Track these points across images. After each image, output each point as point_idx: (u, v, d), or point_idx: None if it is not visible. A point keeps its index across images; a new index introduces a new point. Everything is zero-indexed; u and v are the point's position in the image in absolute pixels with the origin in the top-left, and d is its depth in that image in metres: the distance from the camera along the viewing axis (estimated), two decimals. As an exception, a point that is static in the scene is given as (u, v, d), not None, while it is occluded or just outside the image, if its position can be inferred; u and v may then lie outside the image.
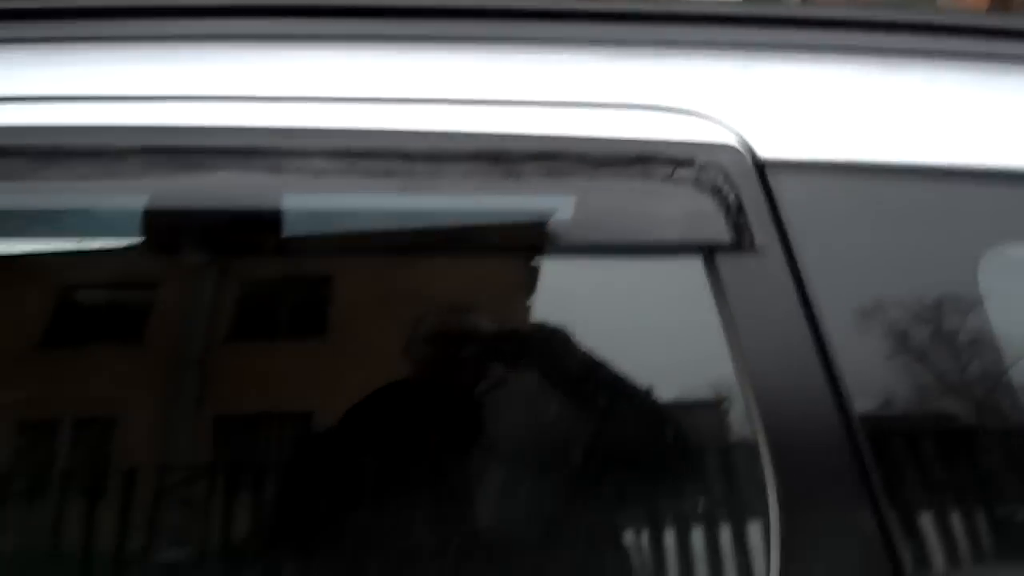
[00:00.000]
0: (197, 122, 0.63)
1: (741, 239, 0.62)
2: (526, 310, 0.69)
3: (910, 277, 0.64)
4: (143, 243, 0.65)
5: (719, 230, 0.62)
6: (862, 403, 0.62)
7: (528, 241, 0.65)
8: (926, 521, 0.66)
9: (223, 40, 0.65)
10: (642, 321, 0.67)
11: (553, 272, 0.69)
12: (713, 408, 0.66)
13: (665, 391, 0.67)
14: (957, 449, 0.69)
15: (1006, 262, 0.67)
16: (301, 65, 0.65)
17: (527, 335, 0.70)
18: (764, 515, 0.62)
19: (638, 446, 0.70)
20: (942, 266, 0.65)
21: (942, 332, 0.65)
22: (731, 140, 0.63)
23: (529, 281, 0.68)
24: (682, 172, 0.62)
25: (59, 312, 0.72)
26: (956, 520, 0.68)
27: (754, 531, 0.64)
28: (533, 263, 0.68)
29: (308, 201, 0.65)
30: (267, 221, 0.64)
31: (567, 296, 0.68)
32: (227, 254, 0.70)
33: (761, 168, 0.63)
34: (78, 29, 0.65)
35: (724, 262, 0.62)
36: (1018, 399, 0.67)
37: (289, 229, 0.64)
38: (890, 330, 0.63)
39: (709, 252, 0.62)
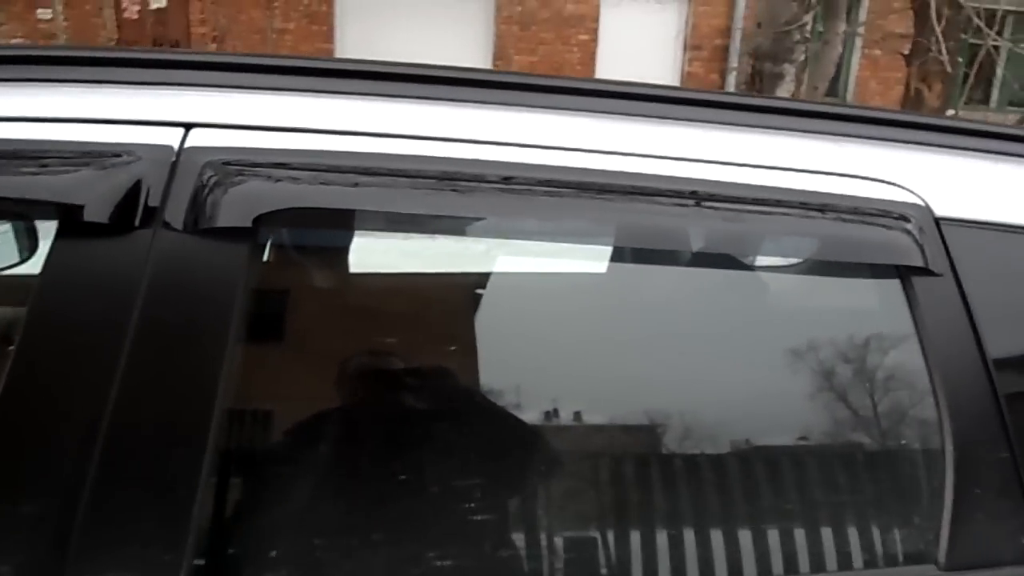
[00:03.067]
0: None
1: (927, 265, 0.98)
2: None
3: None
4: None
5: (914, 258, 0.97)
6: (1005, 384, 0.95)
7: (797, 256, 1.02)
8: None
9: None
10: (865, 311, 1.03)
11: (811, 282, 1.05)
12: (904, 370, 1.01)
13: (871, 364, 1.03)
14: None
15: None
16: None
17: None
18: (941, 470, 0.94)
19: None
20: None
21: None
22: (920, 202, 1.00)
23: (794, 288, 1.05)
24: (892, 220, 0.98)
25: None
26: None
27: (934, 479, 0.95)
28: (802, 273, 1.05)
29: None
30: None
31: (821, 295, 1.05)
32: None
33: (937, 221, 1.00)
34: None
35: (917, 280, 0.98)
36: None
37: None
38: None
39: (907, 272, 0.98)
